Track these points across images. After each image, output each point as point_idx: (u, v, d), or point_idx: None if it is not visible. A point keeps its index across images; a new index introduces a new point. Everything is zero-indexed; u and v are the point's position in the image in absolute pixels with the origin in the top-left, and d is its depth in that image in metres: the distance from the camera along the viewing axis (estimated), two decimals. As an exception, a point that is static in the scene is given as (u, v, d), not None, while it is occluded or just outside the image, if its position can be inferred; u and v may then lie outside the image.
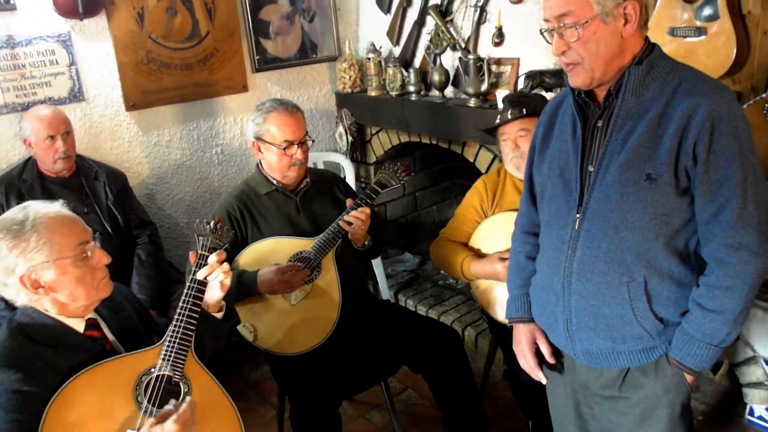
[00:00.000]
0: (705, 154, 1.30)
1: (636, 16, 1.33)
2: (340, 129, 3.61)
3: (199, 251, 1.76)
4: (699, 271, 1.42)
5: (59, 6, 2.58)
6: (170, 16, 2.93)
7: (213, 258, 1.71)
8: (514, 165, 2.27)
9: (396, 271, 3.78)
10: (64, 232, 1.49)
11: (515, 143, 2.24)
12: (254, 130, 2.27)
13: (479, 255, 2.34)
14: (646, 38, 1.40)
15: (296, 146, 2.23)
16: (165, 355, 1.62)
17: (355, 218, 2.17)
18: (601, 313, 1.47)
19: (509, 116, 2.24)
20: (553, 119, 1.59)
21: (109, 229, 2.64)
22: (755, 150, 1.35)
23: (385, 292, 3.39)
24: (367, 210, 2.20)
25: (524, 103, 2.24)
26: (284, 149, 2.21)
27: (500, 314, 2.30)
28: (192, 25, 3.01)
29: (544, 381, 1.69)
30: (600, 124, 1.44)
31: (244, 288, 2.12)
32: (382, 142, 3.56)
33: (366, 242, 2.30)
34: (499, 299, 2.30)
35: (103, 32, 2.78)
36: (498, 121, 2.28)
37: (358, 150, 3.64)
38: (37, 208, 1.52)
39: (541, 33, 1.44)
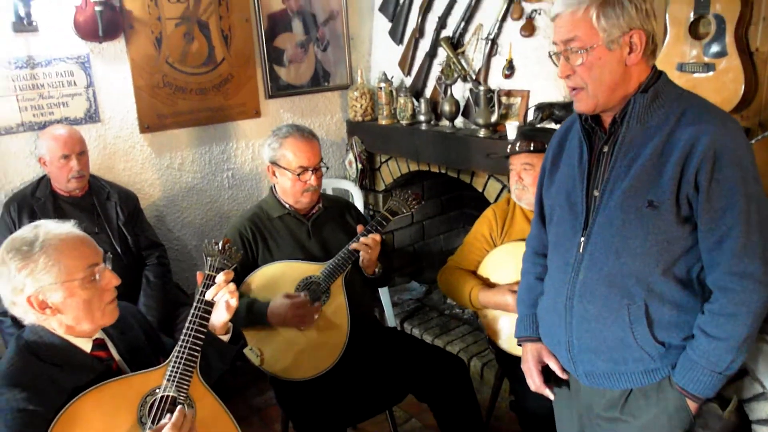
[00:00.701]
0: (707, 183, 1.32)
1: (641, 45, 1.35)
2: (350, 156, 3.63)
3: (207, 271, 1.75)
4: (703, 298, 1.44)
5: (80, 29, 2.64)
6: (187, 41, 2.99)
7: (220, 278, 1.71)
8: (516, 196, 2.31)
9: (402, 299, 3.77)
10: (73, 254, 1.50)
11: (519, 175, 2.27)
12: (270, 154, 2.29)
13: (488, 284, 2.34)
14: (654, 67, 1.42)
15: (310, 172, 2.25)
16: (170, 375, 1.61)
17: (365, 245, 2.17)
18: (602, 335, 1.49)
19: (516, 148, 2.27)
20: (562, 144, 1.63)
21: (119, 249, 2.66)
22: (759, 179, 1.36)
23: (391, 320, 3.37)
24: (378, 236, 2.21)
25: (534, 138, 2.26)
26: (298, 175, 2.23)
27: (507, 344, 2.28)
28: (208, 51, 3.07)
29: (551, 396, 1.71)
30: (606, 149, 1.47)
31: (254, 317, 2.12)
32: (391, 171, 3.58)
33: (377, 269, 2.30)
34: (506, 329, 2.29)
35: (121, 55, 2.84)
36: (508, 151, 2.31)
37: (367, 177, 3.66)
38: (48, 228, 1.53)
39: (550, 56, 1.48)
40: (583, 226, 1.50)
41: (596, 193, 1.47)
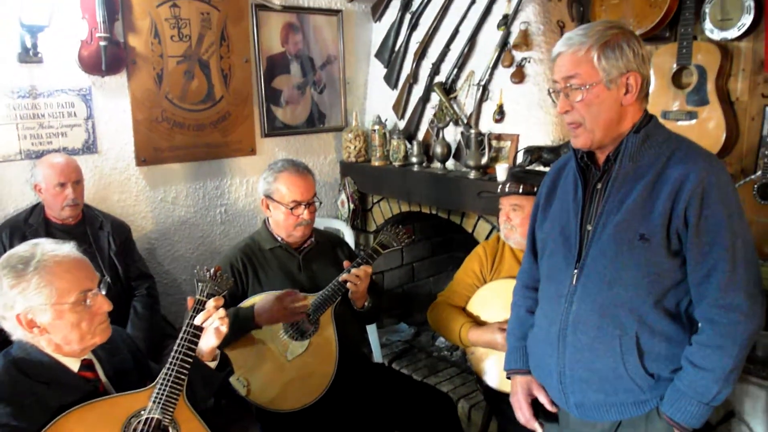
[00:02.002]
0: (695, 219, 1.38)
1: (636, 87, 1.44)
2: (343, 196, 3.68)
3: (198, 296, 1.77)
4: (691, 331, 1.49)
5: (84, 62, 2.71)
6: (187, 79, 3.07)
7: (211, 303, 1.72)
8: (504, 235, 2.35)
9: (391, 340, 3.75)
10: (66, 277, 1.50)
11: (507, 215, 2.32)
12: (264, 188, 2.32)
13: (478, 321, 2.35)
14: (645, 110, 1.51)
15: (303, 207, 2.28)
16: (156, 397, 1.60)
17: (355, 276, 2.19)
18: (594, 366, 1.52)
19: (506, 190, 2.32)
20: (556, 181, 1.70)
21: (109, 279, 2.65)
22: (744, 216, 1.44)
23: (378, 357, 3.34)
24: (368, 268, 2.23)
25: (524, 181, 2.32)
26: (291, 209, 2.26)
27: (495, 382, 2.28)
28: (207, 88, 3.14)
29: (540, 431, 1.72)
30: (599, 186, 1.54)
31: (240, 323, 2.10)
32: (383, 211, 3.63)
33: (366, 303, 2.31)
34: (494, 367, 2.28)
35: (122, 89, 2.90)
36: (498, 191, 2.37)
37: (359, 218, 3.70)
38: (46, 248, 1.54)
39: (549, 93, 1.57)
40: (577, 258, 1.55)
41: (589, 227, 1.53)
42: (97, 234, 2.69)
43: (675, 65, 2.81)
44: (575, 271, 1.54)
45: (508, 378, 1.83)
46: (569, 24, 3.07)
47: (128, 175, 3.01)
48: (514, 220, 2.29)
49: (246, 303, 2.21)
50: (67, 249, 1.57)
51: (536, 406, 1.73)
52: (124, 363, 1.73)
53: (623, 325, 1.47)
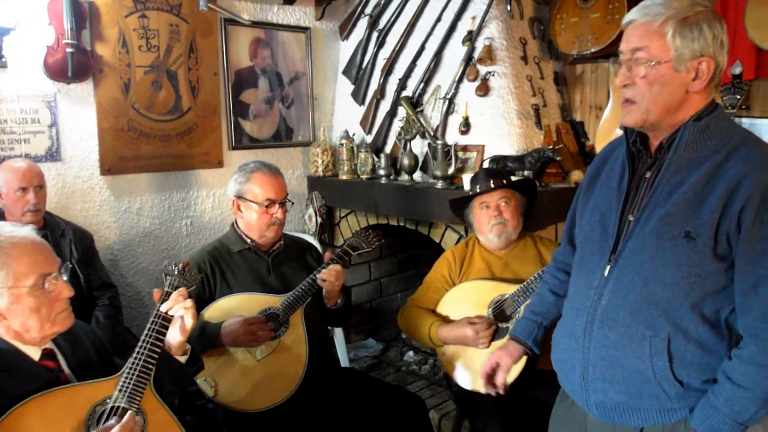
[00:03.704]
0: (750, 222, 1.26)
1: (708, 74, 1.32)
2: (310, 211, 3.69)
3: (165, 289, 1.75)
4: (729, 342, 1.37)
5: (49, 68, 2.68)
6: (155, 89, 3.06)
7: (177, 292, 1.70)
8: (496, 232, 2.33)
9: (359, 355, 3.72)
10: (23, 260, 1.46)
11: (498, 209, 2.33)
12: (236, 188, 2.31)
13: (447, 322, 2.36)
14: (713, 99, 1.39)
15: (277, 205, 2.28)
16: (122, 386, 1.56)
17: (328, 273, 2.19)
18: (620, 364, 1.42)
19: (492, 185, 2.33)
20: (602, 165, 1.59)
21: (71, 264, 2.59)
22: None
23: (345, 361, 3.30)
24: (339, 267, 2.22)
25: (503, 175, 2.38)
26: (266, 207, 2.26)
27: (466, 382, 2.28)
28: (175, 100, 3.14)
29: (482, 391, 1.84)
30: (648, 175, 1.43)
31: (206, 338, 2.07)
32: (350, 225, 3.64)
33: (338, 300, 2.30)
34: (464, 366, 2.29)
35: (88, 97, 2.88)
36: (478, 189, 2.37)
37: (326, 232, 3.70)
38: (2, 230, 1.50)
39: (611, 63, 1.49)
40: (612, 249, 1.44)
41: (631, 217, 1.42)
42: (58, 242, 2.62)
43: (631, 78, 2.93)
44: (609, 262, 1.44)
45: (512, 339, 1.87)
46: (531, 41, 3.19)
47: (92, 185, 2.96)
48: (505, 214, 2.31)
49: (214, 306, 2.18)
50: (25, 231, 1.53)
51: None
52: (87, 355, 1.69)
53: (655, 326, 1.37)
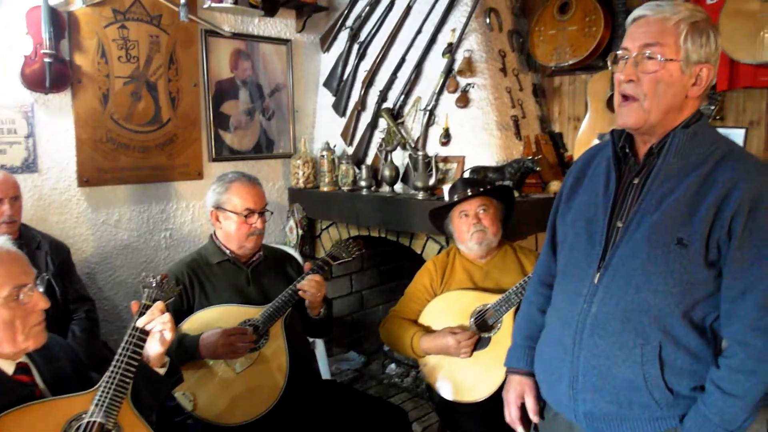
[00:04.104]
0: (741, 230, 1.27)
1: (706, 81, 1.34)
2: (291, 223, 3.67)
3: (143, 301, 1.72)
4: (716, 348, 1.38)
5: (26, 78, 2.65)
6: (134, 100, 3.04)
7: (154, 306, 1.68)
8: (476, 240, 2.33)
9: (340, 369, 3.69)
10: None
11: (477, 217, 2.33)
12: (215, 199, 2.29)
13: (429, 331, 2.35)
14: (698, 109, 1.40)
15: (257, 215, 2.26)
16: (98, 401, 1.53)
17: (309, 284, 2.18)
18: (610, 374, 1.40)
19: (469, 193, 2.35)
20: (584, 170, 1.57)
21: (47, 275, 2.53)
22: None
23: (326, 374, 3.27)
24: (318, 277, 2.21)
25: (481, 183, 2.39)
26: (246, 216, 2.24)
27: (449, 393, 2.27)
28: (155, 111, 3.12)
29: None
30: (636, 181, 1.42)
31: (184, 351, 2.03)
32: (331, 237, 3.63)
33: (321, 310, 2.29)
34: (446, 376, 2.29)
35: (66, 108, 2.85)
36: (456, 198, 2.38)
37: (307, 244, 3.68)
38: None
39: (606, 61, 1.47)
40: (600, 257, 1.42)
41: (620, 224, 1.41)
42: (34, 254, 2.57)
43: (609, 90, 2.99)
44: (598, 270, 1.42)
45: (508, 374, 1.73)
46: (510, 53, 3.23)
47: (69, 196, 2.92)
48: (484, 221, 2.32)
49: (193, 318, 2.16)
50: (0, 241, 1.50)
51: (525, 411, 1.65)
52: (63, 370, 1.65)
53: (646, 334, 1.35)
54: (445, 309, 2.37)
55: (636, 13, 1.38)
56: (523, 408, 1.66)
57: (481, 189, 2.34)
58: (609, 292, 1.40)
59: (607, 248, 1.42)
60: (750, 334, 1.28)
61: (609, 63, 1.45)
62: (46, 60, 2.65)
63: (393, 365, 3.73)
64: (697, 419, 1.33)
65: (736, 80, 2.61)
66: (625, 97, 1.38)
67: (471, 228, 2.33)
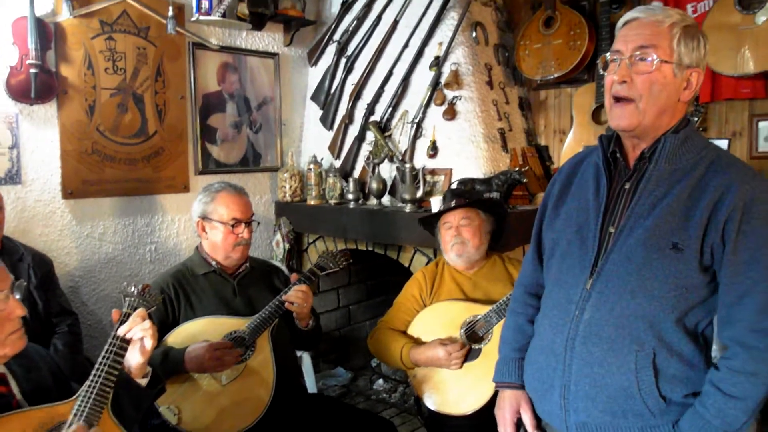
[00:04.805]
0: (735, 233, 1.27)
1: (696, 86, 1.36)
2: (278, 237, 3.65)
3: (125, 309, 1.70)
4: (706, 355, 1.37)
5: (11, 89, 2.63)
6: (120, 112, 3.02)
7: (135, 313, 1.65)
8: (456, 251, 2.34)
9: (327, 385, 3.65)
10: None
11: (457, 230, 2.34)
12: (201, 209, 2.27)
13: (419, 343, 2.33)
14: (685, 114, 1.42)
15: (244, 225, 2.25)
16: (78, 410, 1.49)
17: (295, 295, 2.16)
18: (604, 382, 1.37)
19: (453, 204, 2.35)
20: (571, 177, 1.57)
21: (27, 314, 2.48)
22: None
23: (313, 387, 3.22)
24: (305, 287, 2.19)
25: (466, 195, 2.39)
26: (232, 226, 2.22)
27: (437, 405, 2.25)
28: (141, 123, 3.10)
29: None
30: (627, 186, 1.42)
31: (170, 365, 2.00)
32: (318, 251, 3.61)
33: (310, 321, 2.27)
34: (436, 388, 2.27)
35: (51, 119, 2.82)
36: (441, 208, 2.39)
37: (294, 258, 3.66)
38: None
39: (597, 63, 1.48)
40: (593, 262, 1.41)
41: (612, 229, 1.40)
42: (16, 266, 2.53)
43: (594, 103, 3.01)
44: (591, 276, 1.40)
45: (498, 389, 1.68)
46: (496, 67, 3.26)
47: (53, 208, 2.88)
48: (465, 234, 2.32)
49: (178, 330, 2.12)
50: None
51: (520, 424, 1.61)
52: (42, 381, 1.61)
53: (640, 340, 1.34)
54: (435, 320, 2.35)
55: (628, 15, 1.39)
56: (517, 423, 1.62)
57: (466, 200, 2.34)
58: (602, 297, 1.38)
59: (599, 254, 1.41)
60: (750, 336, 1.27)
61: (599, 66, 1.45)
62: (32, 71, 2.64)
63: (380, 381, 3.69)
64: (696, 421, 1.31)
65: (718, 92, 2.65)
66: (618, 99, 1.38)
67: (452, 240, 2.34)
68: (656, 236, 1.33)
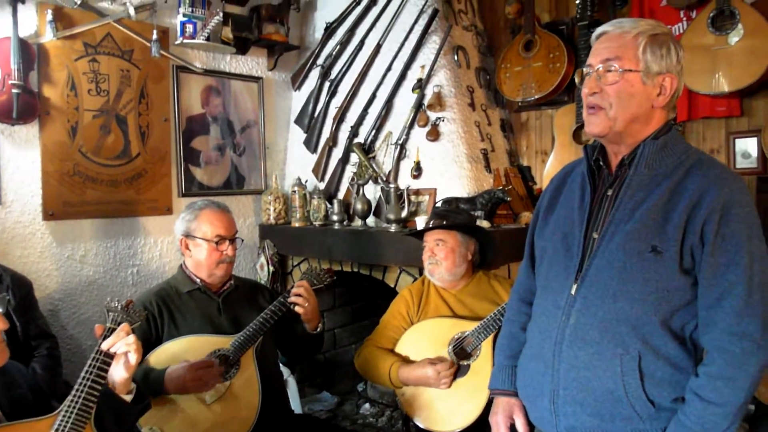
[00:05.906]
0: (713, 236, 1.29)
1: (670, 90, 1.39)
2: (262, 260, 3.62)
3: (108, 324, 1.66)
4: (695, 359, 1.38)
5: (-7, 109, 2.61)
6: (103, 133, 3.01)
7: (119, 328, 1.63)
8: (428, 271, 2.38)
9: (313, 409, 3.58)
10: None
11: (431, 251, 2.36)
12: (184, 227, 2.26)
13: (407, 362, 2.31)
14: (668, 121, 1.46)
15: (228, 242, 2.23)
16: (59, 425, 1.45)
17: (296, 295, 2.16)
18: (591, 386, 1.39)
19: (430, 225, 2.39)
20: (560, 187, 1.61)
21: (9, 297, 2.43)
22: (763, 239, 1.34)
23: (298, 408, 3.16)
24: (305, 282, 2.22)
25: (447, 217, 2.40)
26: (216, 243, 2.21)
27: (425, 422, 2.23)
28: (124, 144, 3.09)
29: None
30: (610, 193, 1.46)
31: (149, 387, 1.94)
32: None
33: (319, 323, 2.28)
34: (425, 406, 2.25)
35: (32, 140, 2.80)
36: (417, 229, 2.43)
37: (278, 281, 3.63)
38: None
39: (574, 78, 1.54)
40: (578, 268, 1.44)
41: (595, 235, 1.43)
42: (-6, 287, 2.48)
43: (575, 123, 3.07)
44: (576, 281, 1.43)
45: (492, 397, 1.72)
46: (478, 89, 3.31)
47: (33, 230, 2.84)
48: (438, 255, 2.33)
49: (160, 349, 2.08)
50: None
51: (513, 429, 1.64)
52: (22, 398, 1.57)
53: (625, 344, 1.35)
54: (423, 337, 2.34)
55: (599, 30, 1.45)
56: (511, 430, 1.64)
57: (442, 222, 2.36)
58: (587, 302, 1.41)
59: (584, 259, 1.44)
60: (727, 340, 1.28)
61: (577, 81, 1.52)
62: (14, 91, 2.62)
63: (367, 405, 3.64)
64: (677, 430, 1.32)
65: (695, 111, 2.72)
66: (592, 108, 1.43)
67: (427, 260, 2.37)
68: (636, 240, 1.35)
